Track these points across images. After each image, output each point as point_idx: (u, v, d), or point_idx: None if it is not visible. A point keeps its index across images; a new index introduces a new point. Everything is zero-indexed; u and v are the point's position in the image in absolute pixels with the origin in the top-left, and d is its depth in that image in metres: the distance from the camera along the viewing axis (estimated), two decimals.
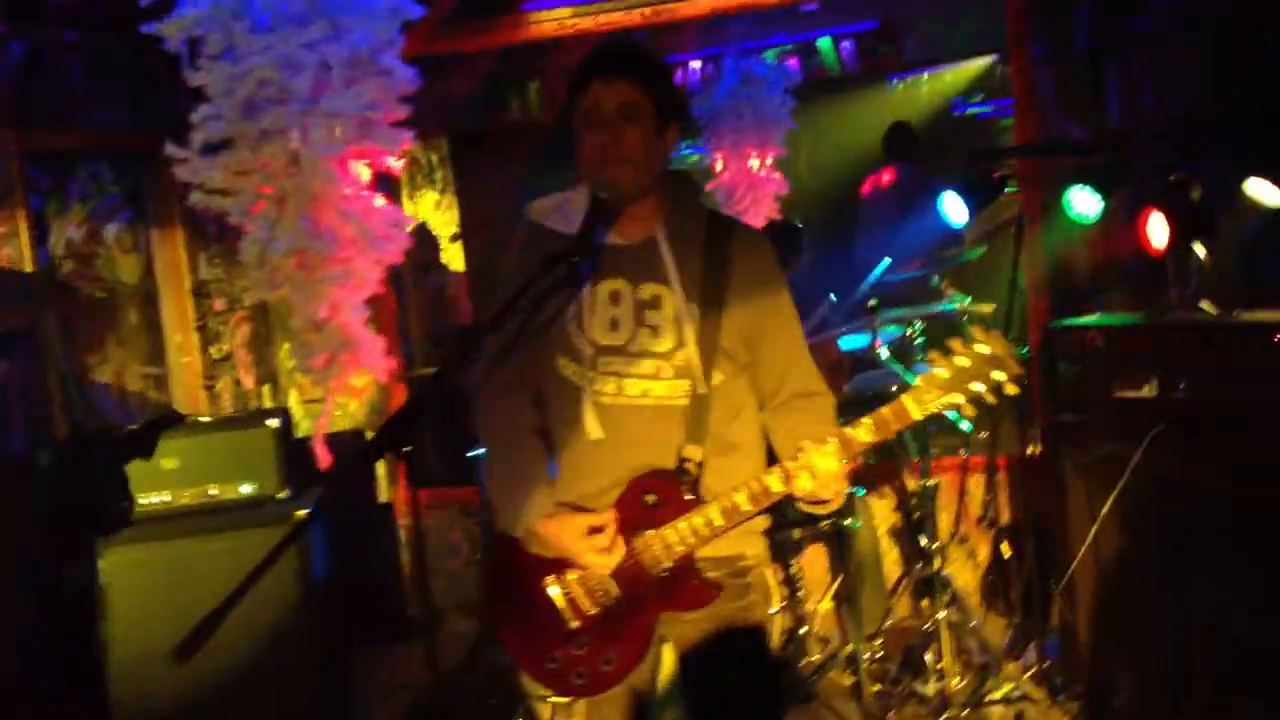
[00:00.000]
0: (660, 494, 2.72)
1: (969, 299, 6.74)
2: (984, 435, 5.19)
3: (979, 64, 8.65)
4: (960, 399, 2.57)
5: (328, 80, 3.67)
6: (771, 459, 2.80)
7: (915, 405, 2.59)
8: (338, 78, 3.69)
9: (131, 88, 5.31)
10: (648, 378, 2.74)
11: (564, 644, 2.78)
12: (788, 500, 2.70)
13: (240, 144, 3.71)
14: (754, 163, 7.13)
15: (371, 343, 3.92)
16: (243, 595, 2.33)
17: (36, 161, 5.07)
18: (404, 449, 2.36)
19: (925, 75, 9.26)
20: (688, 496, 2.72)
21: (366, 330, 3.90)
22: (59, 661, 4.72)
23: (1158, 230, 4.10)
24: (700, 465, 2.73)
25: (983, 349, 2.56)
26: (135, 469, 4.61)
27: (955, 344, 2.59)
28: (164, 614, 4.41)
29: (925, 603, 4.80)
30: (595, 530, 2.70)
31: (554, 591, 2.77)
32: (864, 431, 2.61)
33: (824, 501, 2.69)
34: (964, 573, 5.47)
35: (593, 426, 2.75)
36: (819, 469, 2.60)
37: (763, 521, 2.87)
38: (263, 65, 3.57)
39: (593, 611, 2.76)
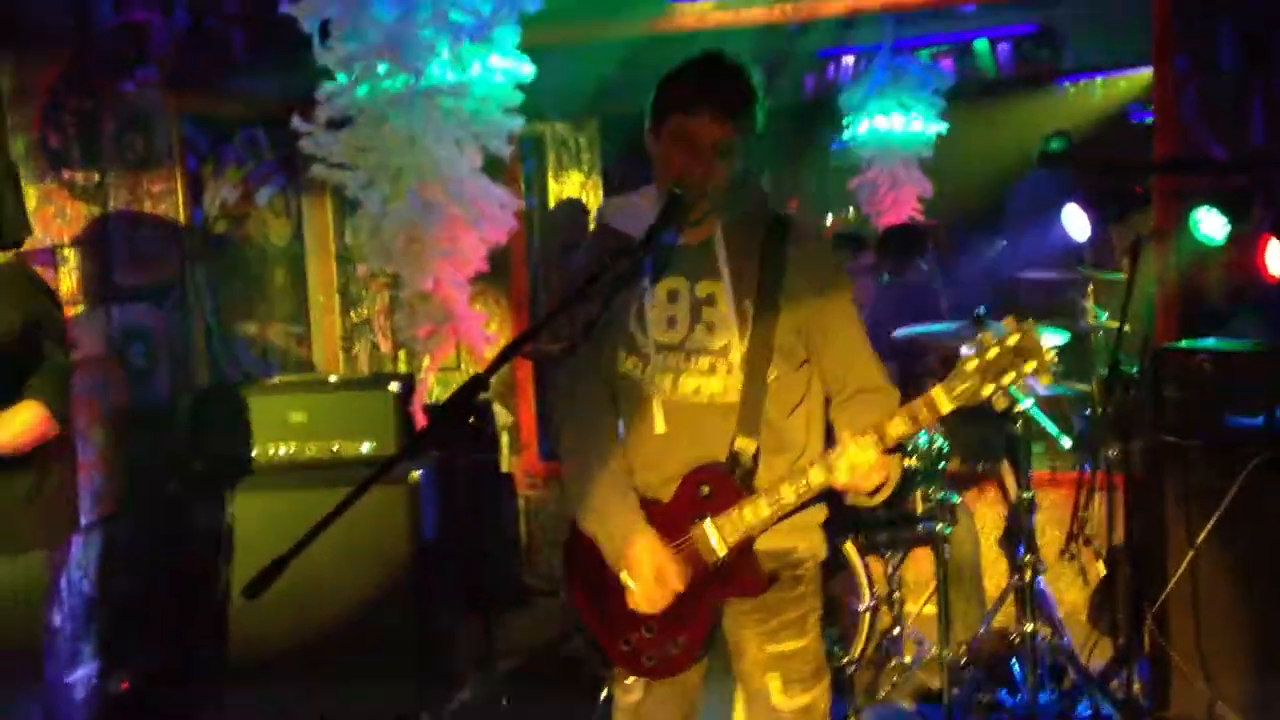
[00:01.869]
0: (713, 485, 2.81)
1: (1105, 314, 6.64)
2: (1111, 452, 5.10)
3: None
4: (990, 389, 2.61)
5: (446, 66, 3.84)
6: None
7: (945, 396, 2.64)
8: (456, 64, 3.87)
9: (285, 59, 5.57)
10: (703, 374, 2.83)
11: (635, 627, 2.89)
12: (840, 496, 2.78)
13: (361, 122, 3.91)
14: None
15: (472, 318, 4.09)
16: (309, 543, 2.46)
17: (197, 124, 5.39)
18: (469, 418, 2.49)
19: (1099, 80, 9.04)
20: (740, 488, 2.80)
21: (468, 306, 4.07)
22: (185, 597, 5.03)
23: (1274, 258, 4.01)
24: (754, 458, 2.81)
25: (1012, 340, 2.59)
26: (266, 420, 4.88)
27: (986, 337, 2.62)
28: None
29: (1025, 620, 4.77)
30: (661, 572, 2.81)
31: (624, 576, 2.87)
32: (898, 423, 2.67)
33: (871, 493, 2.75)
34: (1073, 589, 5.43)
35: (659, 422, 2.85)
36: (856, 460, 2.66)
37: (819, 514, 2.94)
38: (385, 48, 3.76)
39: None
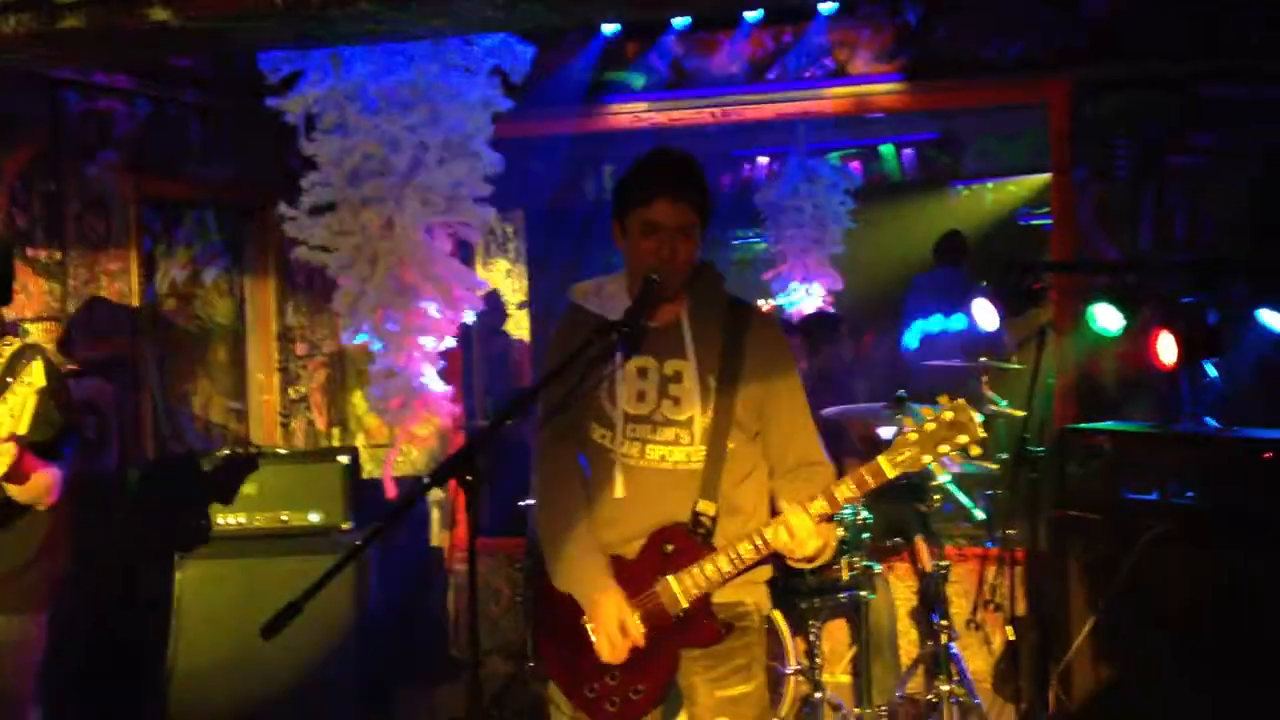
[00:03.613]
0: (677, 544, 3.10)
1: (1006, 403, 7.07)
2: (1009, 531, 5.45)
3: (1044, 177, 8.96)
4: (929, 459, 2.94)
5: (424, 159, 4.15)
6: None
7: (889, 465, 2.95)
8: (432, 157, 4.17)
9: (238, 146, 5.85)
10: (668, 444, 3.13)
11: (599, 675, 3.14)
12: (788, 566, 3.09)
13: (343, 208, 4.19)
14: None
15: (440, 391, 4.34)
16: (320, 589, 2.66)
17: (152, 206, 5.60)
18: (467, 477, 2.71)
19: (990, 184, 9.56)
20: (701, 547, 3.09)
21: (436, 379, 4.32)
22: (128, 665, 5.11)
23: (1166, 348, 4.44)
24: (714, 519, 3.11)
25: (948, 415, 2.93)
26: (216, 491, 5.04)
27: (925, 411, 2.95)
28: (229, 626, 4.80)
29: (940, 680, 5.08)
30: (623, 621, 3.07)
31: (590, 628, 3.13)
32: (845, 488, 2.98)
33: (809, 559, 3.04)
34: (978, 658, 5.74)
35: (619, 487, 3.14)
36: (794, 525, 2.97)
37: (765, 572, 3.23)
38: (369, 142, 4.06)
39: None
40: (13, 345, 3.61)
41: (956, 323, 7.52)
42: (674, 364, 3.14)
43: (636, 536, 3.13)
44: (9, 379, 3.28)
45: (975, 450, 2.93)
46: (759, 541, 3.02)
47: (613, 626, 3.07)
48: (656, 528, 3.11)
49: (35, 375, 3.19)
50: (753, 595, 3.23)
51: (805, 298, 7.90)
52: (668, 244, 3.04)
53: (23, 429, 3.24)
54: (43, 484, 3.52)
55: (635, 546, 3.14)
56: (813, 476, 3.15)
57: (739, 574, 3.08)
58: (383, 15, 3.14)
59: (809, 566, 3.11)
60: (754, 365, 3.15)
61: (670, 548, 3.10)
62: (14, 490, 3.46)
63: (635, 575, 3.12)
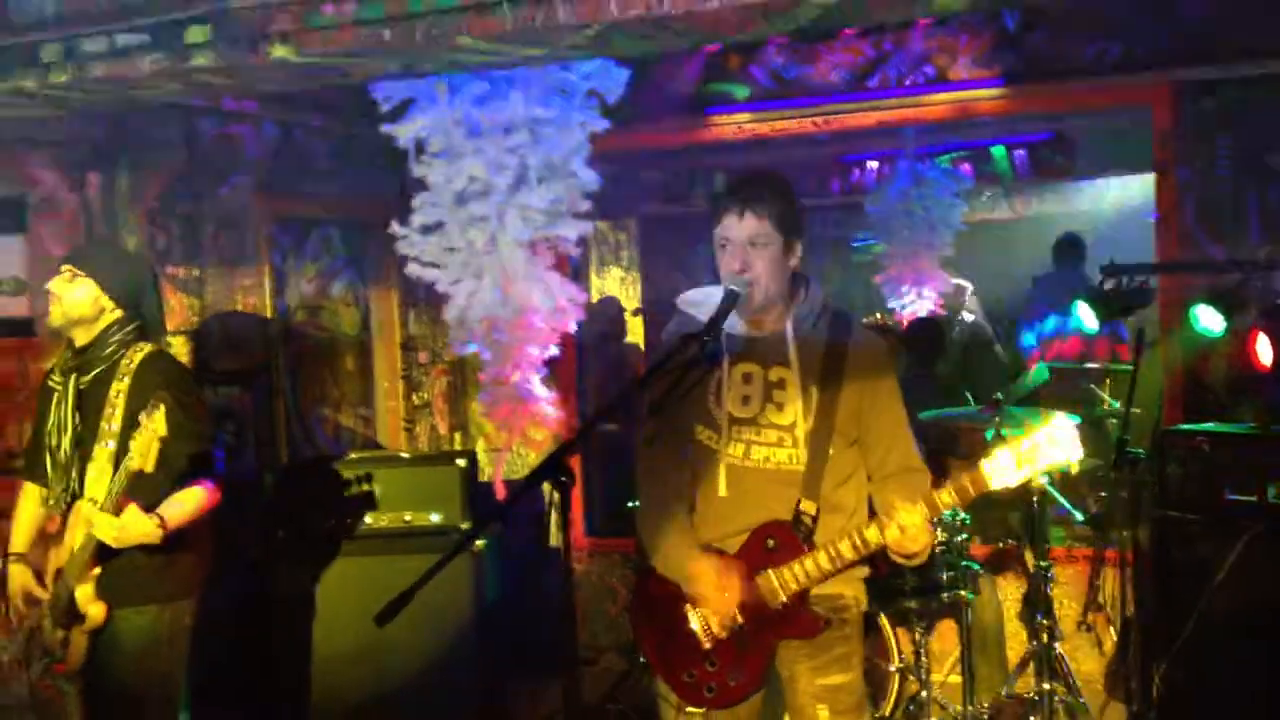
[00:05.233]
0: (779, 540, 3.26)
1: (1118, 403, 7.04)
2: (1124, 532, 5.46)
3: None
4: (1029, 474, 3.05)
5: (525, 179, 4.37)
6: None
7: (990, 477, 3.07)
8: (533, 177, 4.40)
9: (357, 168, 6.17)
10: (771, 445, 3.29)
11: (699, 662, 3.31)
12: (889, 563, 3.23)
13: (451, 226, 4.43)
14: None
15: (546, 398, 4.56)
16: (427, 582, 2.87)
17: (280, 224, 5.92)
18: (560, 477, 2.87)
19: (1112, 181, 9.46)
20: (802, 543, 3.24)
21: (542, 387, 4.54)
22: (267, 656, 5.42)
23: (1264, 349, 4.45)
24: (814, 518, 3.26)
25: (1049, 433, 3.04)
26: (345, 492, 5.31)
27: (1027, 426, 3.06)
28: (359, 620, 5.04)
29: (1044, 679, 5.13)
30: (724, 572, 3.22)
31: (692, 617, 3.31)
32: (946, 495, 3.12)
33: (912, 555, 3.18)
34: (1090, 659, 5.76)
35: (722, 486, 3.30)
36: (905, 523, 3.10)
37: (863, 570, 3.37)
38: (474, 164, 4.29)
39: (722, 635, 3.29)
40: (142, 351, 3.86)
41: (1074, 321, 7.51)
42: (778, 371, 3.30)
43: (738, 532, 3.29)
44: (141, 414, 3.58)
45: (1075, 469, 3.04)
46: (858, 541, 3.17)
47: (713, 584, 3.21)
48: (759, 524, 3.27)
49: (158, 423, 3.55)
50: (852, 589, 3.38)
51: (917, 301, 7.95)
52: (738, 257, 3.21)
53: (149, 467, 3.59)
54: (193, 509, 3.82)
55: (736, 541, 3.30)
56: (912, 482, 3.29)
57: (837, 572, 3.23)
58: (481, 48, 3.35)
59: (910, 563, 3.24)
60: (854, 375, 3.29)
61: (772, 543, 3.25)
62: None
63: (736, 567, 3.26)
